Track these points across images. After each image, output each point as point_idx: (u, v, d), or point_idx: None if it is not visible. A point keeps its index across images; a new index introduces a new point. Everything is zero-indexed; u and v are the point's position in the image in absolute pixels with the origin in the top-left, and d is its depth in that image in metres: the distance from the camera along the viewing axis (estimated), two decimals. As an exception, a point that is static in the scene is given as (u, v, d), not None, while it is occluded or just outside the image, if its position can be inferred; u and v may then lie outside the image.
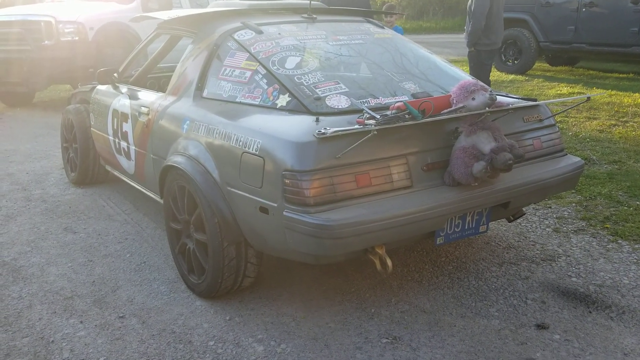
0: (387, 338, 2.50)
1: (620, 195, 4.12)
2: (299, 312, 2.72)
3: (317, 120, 2.42)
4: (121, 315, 2.75)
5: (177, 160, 2.87)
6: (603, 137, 5.66)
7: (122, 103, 3.70)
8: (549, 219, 3.78)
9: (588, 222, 3.70)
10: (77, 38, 7.44)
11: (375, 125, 2.28)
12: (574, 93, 7.92)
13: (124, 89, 3.84)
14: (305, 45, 3.00)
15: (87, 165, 4.51)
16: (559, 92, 8.04)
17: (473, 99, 2.43)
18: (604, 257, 3.22)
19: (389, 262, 2.44)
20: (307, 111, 2.53)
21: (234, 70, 2.92)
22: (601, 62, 10.75)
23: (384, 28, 3.56)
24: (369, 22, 3.60)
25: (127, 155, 3.69)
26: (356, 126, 2.33)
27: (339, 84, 2.71)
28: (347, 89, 2.68)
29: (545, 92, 8.07)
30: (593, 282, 2.96)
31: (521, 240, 3.47)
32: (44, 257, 3.40)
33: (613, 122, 6.21)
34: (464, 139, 2.48)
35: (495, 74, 9.93)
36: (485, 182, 2.54)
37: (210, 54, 3.07)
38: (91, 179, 4.61)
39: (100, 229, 3.79)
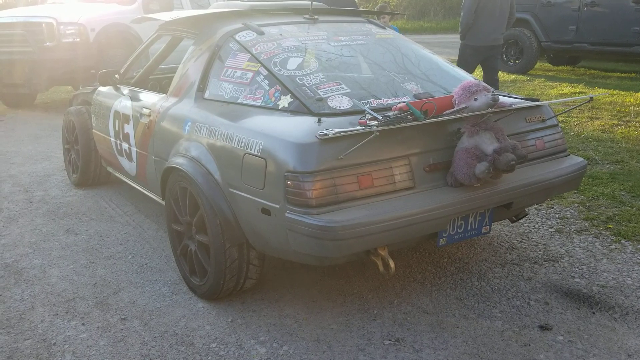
0: (389, 339, 2.50)
1: (623, 195, 4.10)
2: (301, 314, 2.71)
3: (319, 121, 2.41)
4: (123, 317, 2.75)
5: (178, 161, 2.87)
6: (605, 137, 5.64)
7: (124, 104, 3.70)
8: (551, 219, 3.77)
9: (591, 222, 3.69)
10: (78, 39, 7.44)
11: (377, 126, 2.27)
12: (575, 93, 7.90)
13: (125, 90, 3.84)
14: (306, 46, 3.00)
15: (88, 166, 4.50)
16: (560, 91, 8.03)
17: (475, 99, 2.43)
18: (607, 258, 3.21)
19: (391, 263, 2.44)
20: (309, 112, 2.53)
21: (235, 72, 2.92)
22: (603, 62, 10.74)
23: (385, 28, 3.55)
24: (370, 22, 3.59)
25: (129, 157, 3.68)
26: (358, 127, 2.32)
27: (340, 84, 2.70)
28: (349, 90, 2.67)
29: (547, 92, 8.06)
30: (596, 282, 2.95)
31: (524, 240, 3.46)
32: (45, 259, 3.39)
33: (615, 121, 6.20)
34: (466, 139, 2.47)
35: (496, 74, 9.91)
36: (488, 182, 2.54)
37: (211, 55, 3.07)
38: (93, 180, 4.60)
39: (102, 231, 3.79)
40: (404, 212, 2.31)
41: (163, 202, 3.20)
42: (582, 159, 2.99)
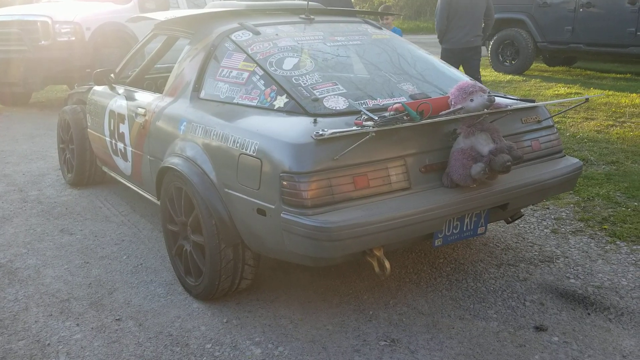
0: (385, 340, 2.49)
1: (618, 196, 4.11)
2: (297, 315, 2.71)
3: (315, 121, 2.41)
4: (118, 317, 2.74)
5: (174, 161, 2.86)
6: (601, 137, 5.66)
7: (119, 104, 3.68)
8: (547, 220, 3.78)
9: (586, 223, 3.70)
10: (73, 38, 7.42)
11: (373, 127, 2.27)
12: (571, 93, 7.92)
13: (120, 89, 3.82)
14: (302, 46, 2.99)
15: (83, 166, 4.49)
16: (556, 92, 8.05)
17: (471, 100, 2.42)
18: (602, 259, 3.22)
19: (387, 264, 2.43)
20: (305, 112, 2.52)
21: (231, 71, 2.91)
22: (598, 63, 10.77)
23: (381, 29, 3.55)
24: (366, 22, 3.59)
25: (124, 157, 3.67)
26: (354, 128, 2.32)
27: (336, 85, 2.69)
28: (344, 90, 2.66)
29: (542, 92, 8.07)
30: (591, 283, 2.95)
31: (519, 241, 3.47)
32: (40, 259, 3.38)
33: (610, 122, 6.21)
34: (462, 140, 2.47)
35: (492, 75, 9.94)
36: (484, 183, 2.54)
37: (207, 54, 3.06)
38: (88, 180, 4.59)
39: (96, 231, 3.77)
40: (399, 213, 2.31)
41: (158, 202, 3.18)
42: (577, 159, 3.00)
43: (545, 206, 3.98)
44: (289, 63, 2.81)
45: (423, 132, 2.49)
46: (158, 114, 3.19)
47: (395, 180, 2.41)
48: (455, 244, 3.40)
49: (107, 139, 3.87)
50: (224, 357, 2.41)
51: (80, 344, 2.54)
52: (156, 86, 4.24)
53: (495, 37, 10.19)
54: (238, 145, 2.51)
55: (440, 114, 2.47)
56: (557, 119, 6.24)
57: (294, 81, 2.69)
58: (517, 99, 3.02)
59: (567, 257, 3.24)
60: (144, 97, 3.48)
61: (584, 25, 9.05)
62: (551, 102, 3.30)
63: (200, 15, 3.39)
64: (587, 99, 2.87)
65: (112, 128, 3.77)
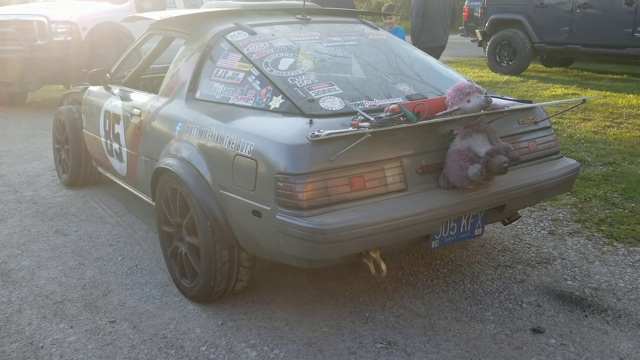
0: (381, 343, 2.48)
1: (615, 197, 4.10)
2: (293, 317, 2.69)
3: (311, 122, 2.39)
4: (112, 319, 2.71)
5: (169, 162, 2.84)
6: (597, 138, 5.65)
7: (114, 104, 3.66)
8: (544, 221, 3.77)
9: (583, 224, 3.68)
10: (69, 38, 7.39)
11: (369, 128, 2.25)
12: (568, 94, 7.92)
13: (116, 90, 3.80)
14: (299, 47, 2.97)
15: (79, 166, 4.46)
16: (553, 93, 8.04)
17: (468, 101, 2.41)
18: (600, 260, 3.21)
19: (383, 266, 2.42)
20: (301, 113, 2.50)
21: (226, 72, 2.89)
22: (595, 63, 10.78)
23: (378, 29, 3.53)
24: (363, 23, 3.57)
25: (119, 157, 3.65)
26: (350, 128, 2.31)
27: (332, 85, 2.68)
28: (341, 91, 2.65)
29: (539, 93, 8.07)
30: (589, 285, 2.94)
31: (516, 242, 3.45)
32: (34, 260, 3.35)
33: (607, 123, 6.21)
34: (459, 141, 2.46)
35: (489, 75, 9.93)
36: (481, 185, 2.52)
37: (202, 55, 3.04)
38: (83, 180, 4.56)
39: (91, 232, 3.75)
40: (396, 215, 2.29)
41: (153, 203, 3.16)
42: (575, 161, 2.99)
43: (542, 207, 3.97)
44: (284, 63, 2.80)
45: (419, 133, 2.47)
46: (153, 114, 3.17)
47: (391, 182, 2.40)
48: (452, 245, 3.38)
49: (103, 139, 3.84)
50: (219, 360, 2.39)
51: (74, 346, 2.51)
52: (152, 86, 4.21)
53: (492, 38, 10.19)
54: (233, 146, 2.49)
55: (436, 114, 2.45)
56: (553, 120, 6.23)
57: (290, 82, 2.67)
58: (514, 100, 3.01)
59: (564, 259, 3.23)
60: (139, 98, 3.46)
61: (581, 26, 9.05)
62: (548, 102, 3.29)
63: (196, 15, 3.37)
64: (584, 100, 2.86)
65: (107, 128, 3.74)
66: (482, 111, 2.44)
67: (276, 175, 2.26)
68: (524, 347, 2.43)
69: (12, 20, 7.38)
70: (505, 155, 2.40)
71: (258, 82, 2.72)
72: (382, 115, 2.36)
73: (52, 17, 7.31)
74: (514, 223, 3.67)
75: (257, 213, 2.37)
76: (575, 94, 7.90)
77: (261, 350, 2.44)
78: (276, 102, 2.60)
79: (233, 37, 3.02)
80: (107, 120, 3.73)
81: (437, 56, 6.57)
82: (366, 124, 2.30)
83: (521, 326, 2.58)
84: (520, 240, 3.49)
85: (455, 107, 2.43)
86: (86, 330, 2.63)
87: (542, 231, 3.61)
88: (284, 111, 2.55)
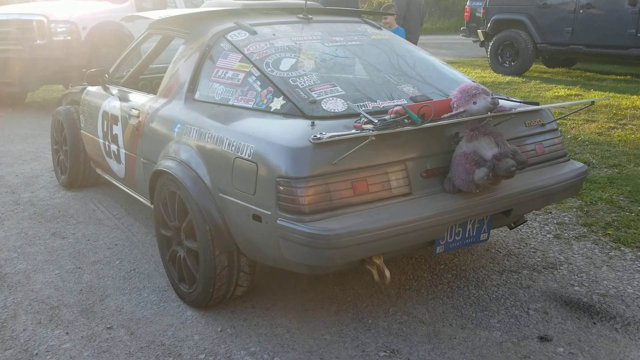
0: (385, 351, 2.41)
1: (622, 200, 4.04)
2: (294, 323, 2.63)
3: (313, 124, 2.33)
4: (109, 326, 2.65)
5: (167, 164, 2.78)
6: (602, 140, 5.59)
7: (113, 105, 3.60)
8: (549, 224, 3.70)
9: (589, 228, 3.62)
10: (69, 37, 7.35)
11: (373, 130, 2.19)
12: (571, 95, 7.85)
13: (114, 90, 3.74)
14: (300, 47, 2.91)
15: (77, 168, 4.40)
16: (556, 94, 7.98)
17: (474, 103, 2.35)
18: (607, 265, 3.14)
19: (387, 272, 2.35)
20: (302, 115, 2.44)
21: (226, 72, 2.83)
22: (598, 64, 10.71)
23: (381, 29, 3.47)
24: (365, 22, 3.51)
25: (117, 159, 3.58)
26: (353, 131, 2.25)
27: (335, 86, 2.61)
28: (343, 92, 2.58)
29: (542, 94, 8.00)
30: (596, 291, 2.88)
31: (522, 247, 3.39)
32: (30, 263, 3.29)
33: (612, 124, 6.14)
34: (465, 144, 2.39)
35: (491, 76, 9.87)
36: (487, 189, 2.45)
37: (202, 55, 2.98)
38: (81, 182, 4.50)
39: (89, 234, 3.69)
40: (400, 220, 2.23)
41: (152, 206, 3.10)
42: (582, 164, 2.92)
43: (548, 210, 3.91)
44: (286, 64, 2.73)
45: (424, 135, 2.41)
46: (152, 115, 3.11)
47: (395, 186, 2.33)
48: (456, 250, 3.31)
49: (101, 140, 3.78)
50: (218, 368, 2.33)
51: (70, 353, 2.45)
52: (151, 87, 4.15)
53: (494, 38, 10.13)
54: (233, 148, 2.42)
55: (442, 117, 2.39)
56: (558, 122, 6.17)
57: (291, 82, 2.61)
58: (520, 102, 2.94)
59: (570, 264, 3.16)
60: (138, 98, 3.40)
61: (584, 26, 8.98)
62: (556, 104, 3.23)
63: (196, 14, 3.31)
64: (593, 102, 2.80)
65: (105, 129, 3.68)
66: (489, 113, 2.37)
67: (277, 179, 2.20)
68: (531, 356, 2.37)
69: (12, 19, 7.34)
70: (513, 159, 2.34)
71: (259, 83, 2.66)
72: (386, 117, 2.30)
73: (51, 17, 7.26)
74: (519, 227, 3.60)
75: (257, 217, 2.31)
76: (578, 95, 7.83)
77: (261, 358, 2.38)
78: (277, 103, 2.54)
79: (233, 37, 2.96)
80: (105, 121, 3.67)
81: None
82: (370, 126, 2.24)
83: (528, 334, 2.52)
84: (526, 244, 3.43)
85: (461, 109, 2.36)
86: (82, 336, 2.57)
87: (548, 235, 3.55)
88: (285, 113, 2.49)
